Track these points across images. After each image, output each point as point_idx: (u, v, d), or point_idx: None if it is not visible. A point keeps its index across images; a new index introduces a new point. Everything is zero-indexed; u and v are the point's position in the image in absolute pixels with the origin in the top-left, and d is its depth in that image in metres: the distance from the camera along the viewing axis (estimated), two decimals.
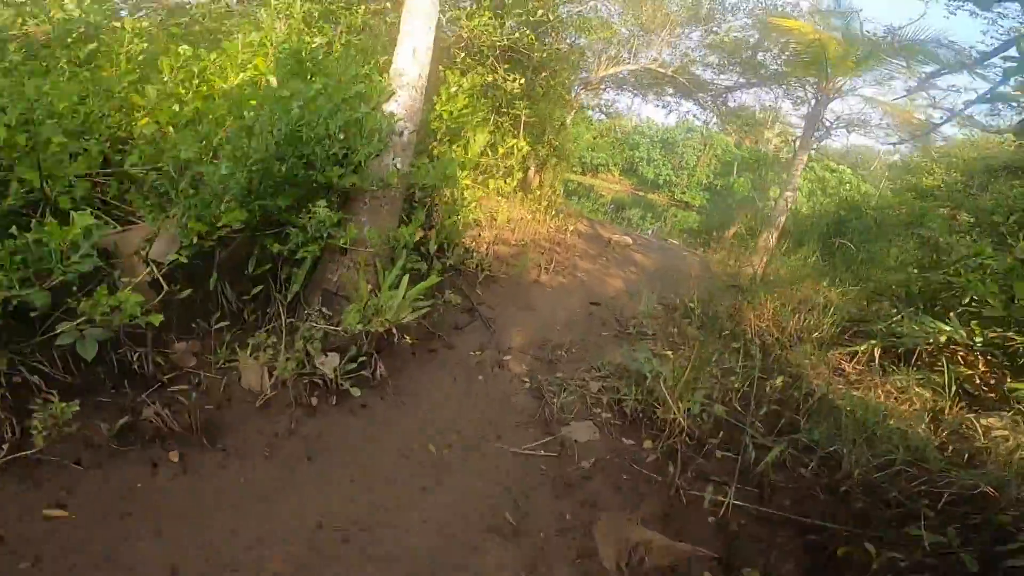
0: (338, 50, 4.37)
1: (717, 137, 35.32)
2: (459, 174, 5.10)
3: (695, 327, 6.51)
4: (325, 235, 3.60)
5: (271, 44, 3.82)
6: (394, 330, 3.78)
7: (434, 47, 4.30)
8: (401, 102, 4.05)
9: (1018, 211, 13.29)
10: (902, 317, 6.46)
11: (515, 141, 5.70)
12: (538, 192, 9.44)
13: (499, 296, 6.10)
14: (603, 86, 15.40)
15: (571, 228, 9.69)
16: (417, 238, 4.48)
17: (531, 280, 6.93)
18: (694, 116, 15.85)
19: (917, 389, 5.72)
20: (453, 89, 5.18)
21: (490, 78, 6.30)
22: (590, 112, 15.01)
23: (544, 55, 9.81)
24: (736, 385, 4.71)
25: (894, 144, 13.92)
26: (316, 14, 4.94)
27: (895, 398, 5.76)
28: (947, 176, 15.65)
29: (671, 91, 15.11)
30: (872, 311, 7.41)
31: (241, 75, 3.50)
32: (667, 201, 35.37)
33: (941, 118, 11.35)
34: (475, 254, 6.17)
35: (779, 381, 4.59)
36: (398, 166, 4.02)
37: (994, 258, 7.02)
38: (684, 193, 34.99)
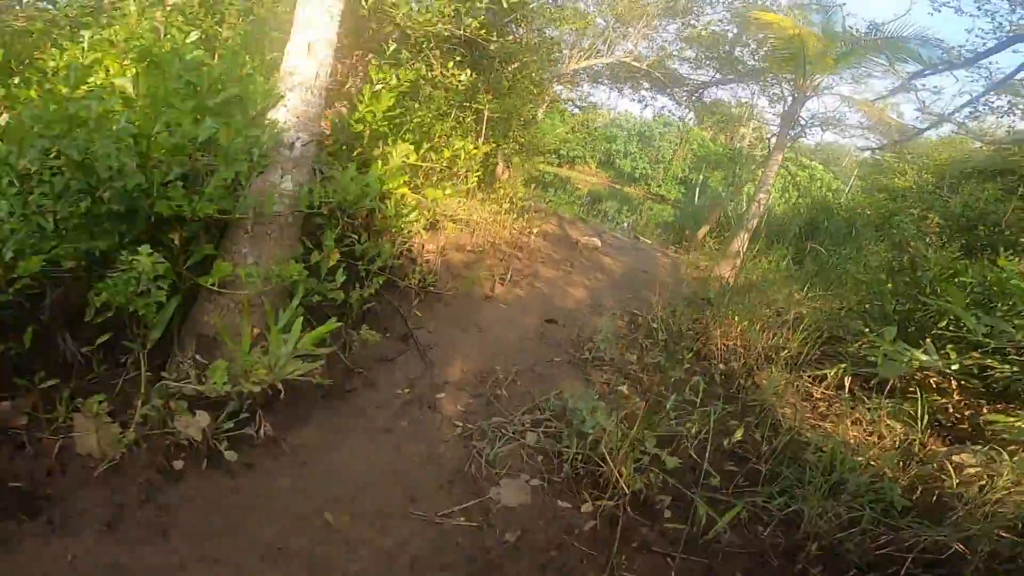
0: (223, 46, 3.66)
1: (694, 132, 34.80)
2: (394, 182, 4.41)
3: (657, 349, 5.93)
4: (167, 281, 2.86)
5: (131, 41, 3.11)
6: (279, 385, 3.12)
7: (354, 39, 3.62)
8: (292, 107, 3.29)
9: (990, 215, 12.94)
10: (873, 343, 5.94)
11: (463, 143, 5.03)
12: (501, 192, 8.77)
13: (443, 316, 5.43)
14: (578, 79, 14.72)
15: (536, 230, 9.04)
16: (333, 261, 3.82)
17: (483, 294, 6.25)
18: (669, 112, 15.24)
19: (888, 421, 5.22)
20: (377, 87, 4.43)
21: (432, 73, 5.56)
22: (565, 105, 14.29)
23: (508, 47, 9.09)
24: (694, 430, 4.13)
25: (874, 150, 13.43)
26: (196, 3, 4.15)
27: (865, 430, 5.27)
28: (918, 177, 15.27)
29: (647, 85, 14.47)
30: (843, 326, 6.90)
31: (86, 81, 2.79)
32: (643, 194, 34.83)
33: (920, 120, 10.85)
34: (417, 269, 5.50)
35: (738, 434, 4.01)
36: (289, 185, 3.33)
37: (970, 276, 6.54)
38: (660, 187, 34.48)
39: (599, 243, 10.02)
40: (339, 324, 3.40)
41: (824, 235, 12.63)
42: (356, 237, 4.22)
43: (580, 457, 3.70)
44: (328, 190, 3.48)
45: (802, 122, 10.61)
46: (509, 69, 9.49)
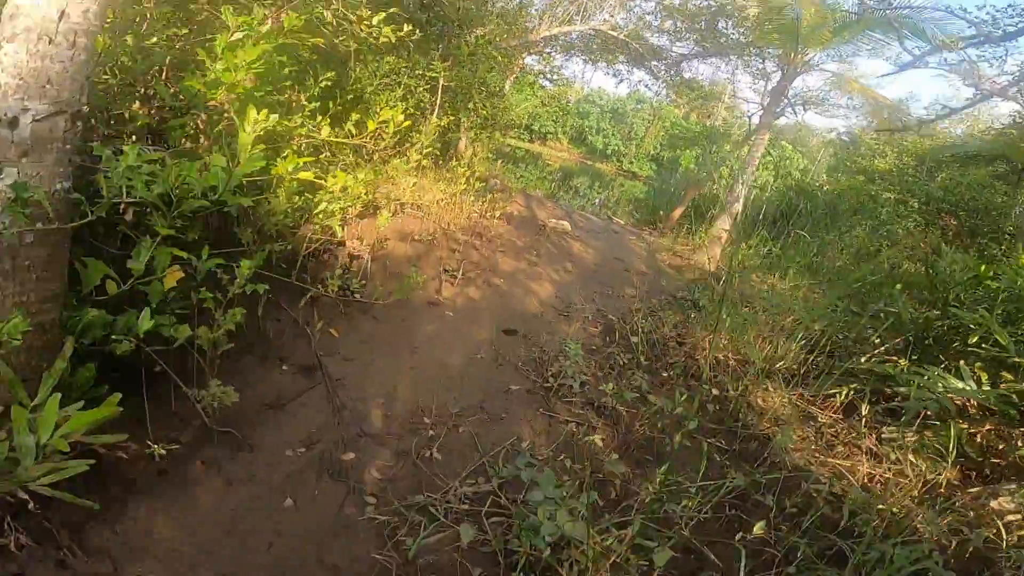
0: None
1: (667, 109, 33.48)
2: (285, 165, 3.05)
3: (638, 369, 4.73)
4: None
5: None
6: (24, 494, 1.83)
7: None
8: (11, 64, 1.96)
9: (971, 200, 12.00)
10: (888, 359, 4.84)
11: (392, 112, 3.69)
12: (459, 170, 7.41)
13: (369, 333, 4.12)
14: (549, 50, 13.22)
15: (499, 213, 7.73)
16: (169, 285, 2.49)
17: (427, 299, 4.95)
18: (646, 86, 13.88)
19: (911, 458, 4.15)
20: (235, 36, 2.85)
21: (346, 24, 4.12)
22: (536, 78, 12.79)
23: (467, 10, 7.66)
24: (690, 507, 2.95)
25: (894, 132, 12.24)
26: None
27: (883, 467, 4.20)
28: (899, 160, 14.29)
29: (623, 58, 13.06)
30: (844, 330, 5.79)
31: None
32: (615, 171, 33.54)
33: (952, 100, 9.69)
34: (336, 271, 4.17)
35: (757, 529, 2.85)
36: (9, 181, 2.05)
37: (994, 281, 5.48)
38: (632, 164, 33.22)
39: (568, 226, 8.75)
40: (108, 412, 2.05)
41: (805, 219, 11.55)
42: (206, 243, 2.85)
43: (535, 563, 2.50)
44: (140, 181, 2.15)
45: (789, 100, 9.40)
46: (470, 35, 8.04)
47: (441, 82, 7.20)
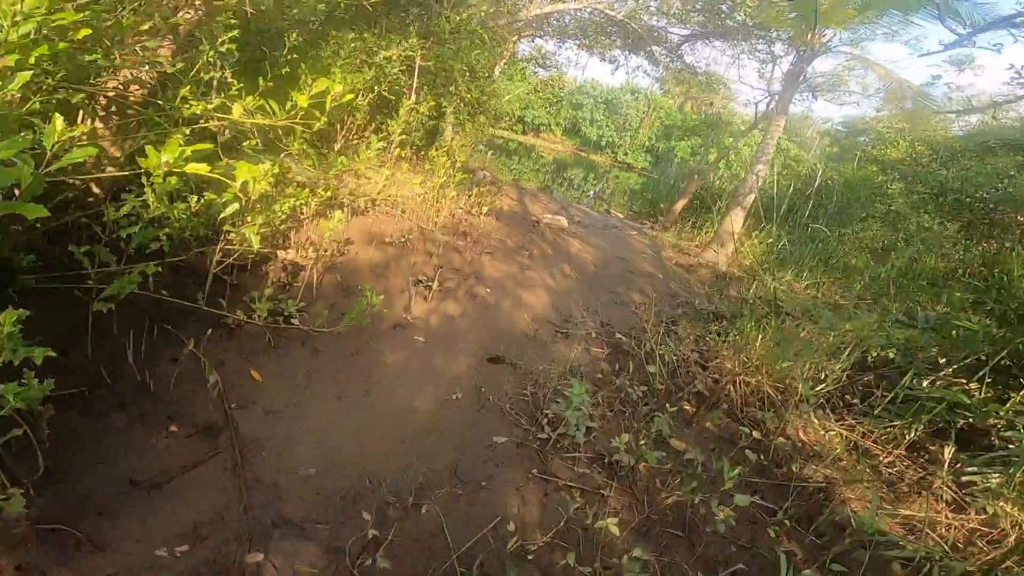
0: None
1: (660, 100, 32.38)
2: (166, 154, 2.04)
3: (657, 411, 3.72)
4: None
5: None
6: None
7: None
8: None
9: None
10: (967, 390, 3.86)
11: (328, 83, 2.71)
12: (440, 160, 6.35)
13: (309, 372, 3.08)
14: (541, 32, 12.12)
15: (486, 208, 6.69)
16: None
17: (393, 319, 3.92)
18: (644, 72, 12.78)
19: (1004, 506, 3.20)
20: None
21: None
22: (526, 64, 11.65)
23: None
24: None
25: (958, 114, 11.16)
26: None
27: (971, 519, 3.26)
28: (911, 149, 13.28)
29: (619, 43, 11.97)
30: (892, 343, 4.78)
31: None
32: (610, 162, 32.46)
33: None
34: (266, 291, 3.13)
35: None
36: None
37: None
38: (627, 155, 32.14)
39: (565, 222, 7.71)
40: None
41: (820, 212, 10.56)
42: None
43: None
44: None
45: (807, 83, 8.34)
46: (452, 10, 6.96)
47: (418, 62, 6.14)
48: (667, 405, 3.76)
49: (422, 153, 7.34)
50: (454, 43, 6.69)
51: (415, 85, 6.12)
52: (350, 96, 2.68)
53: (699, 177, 11.79)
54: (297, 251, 3.69)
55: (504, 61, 9.96)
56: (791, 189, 11.69)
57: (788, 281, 8.38)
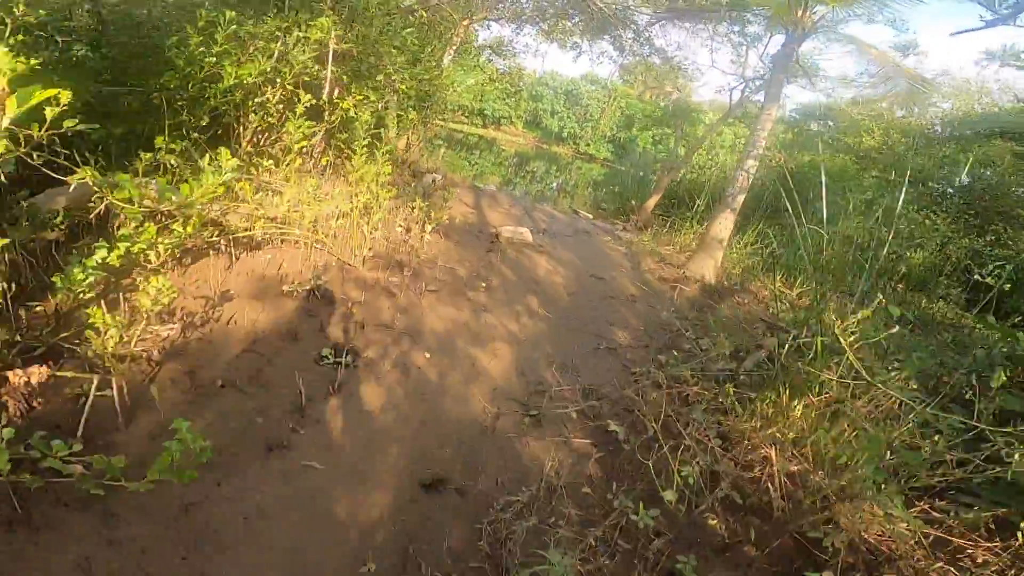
0: None
1: (620, 89, 31.21)
2: None
3: (673, 545, 2.44)
4: None
5: None
6: None
7: None
8: None
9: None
10: None
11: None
12: (369, 169, 4.87)
13: (90, 556, 1.73)
14: (496, 16, 10.65)
15: (432, 225, 5.28)
16: None
17: (269, 436, 2.49)
18: (610, 59, 11.43)
19: None
20: None
21: None
22: (481, 53, 10.14)
23: None
24: None
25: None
26: None
27: None
28: (887, 137, 12.34)
29: (581, 26, 10.59)
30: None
31: None
32: (572, 154, 31.17)
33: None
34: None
35: None
36: None
37: None
38: (588, 146, 30.91)
39: (529, 235, 6.34)
40: None
41: (802, 207, 9.46)
42: None
43: None
44: None
45: (802, 66, 7.10)
46: None
47: (332, 45, 4.65)
48: (687, 531, 2.48)
49: (355, 159, 5.86)
50: (380, 23, 5.21)
51: (330, 75, 4.63)
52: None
53: (671, 171, 10.56)
54: (101, 339, 2.23)
55: (455, 48, 8.49)
56: (771, 184, 10.63)
57: (781, 289, 7.23)
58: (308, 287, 3.47)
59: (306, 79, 4.60)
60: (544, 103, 30.67)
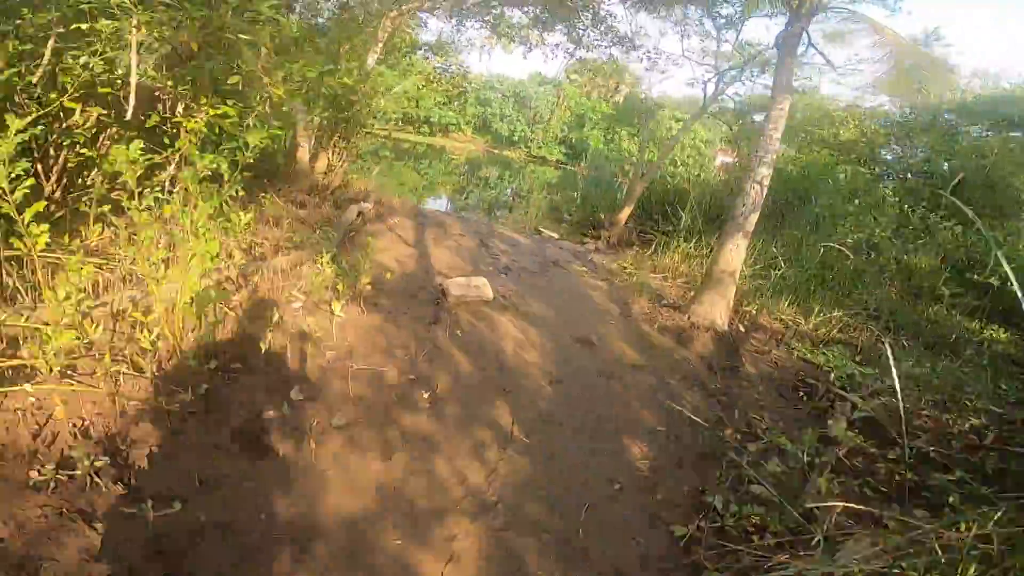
0: None
1: (569, 89, 29.81)
2: None
3: None
4: None
5: None
6: None
7: None
8: None
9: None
10: None
11: None
12: (234, 219, 3.05)
13: None
14: (431, 9, 8.86)
15: (339, 307, 3.52)
16: None
17: None
18: (566, 52, 9.76)
19: None
20: None
21: None
22: (412, 52, 8.18)
23: None
24: None
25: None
26: None
27: None
28: (865, 128, 11.18)
29: (531, 16, 8.91)
30: None
31: None
32: (524, 157, 29.54)
33: None
34: None
35: None
36: None
37: None
38: (540, 148, 29.36)
39: (487, 289, 4.59)
40: None
41: (800, 220, 8.08)
42: None
43: None
44: None
45: (816, 47, 5.54)
46: None
47: (134, 37, 2.81)
48: None
49: (247, 196, 4.02)
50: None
51: (134, 81, 2.78)
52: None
53: (644, 176, 9.03)
54: None
55: (382, 45, 6.67)
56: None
57: (792, 319, 5.77)
58: (85, 463, 1.67)
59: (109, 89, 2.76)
60: (492, 107, 28.97)
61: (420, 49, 7.82)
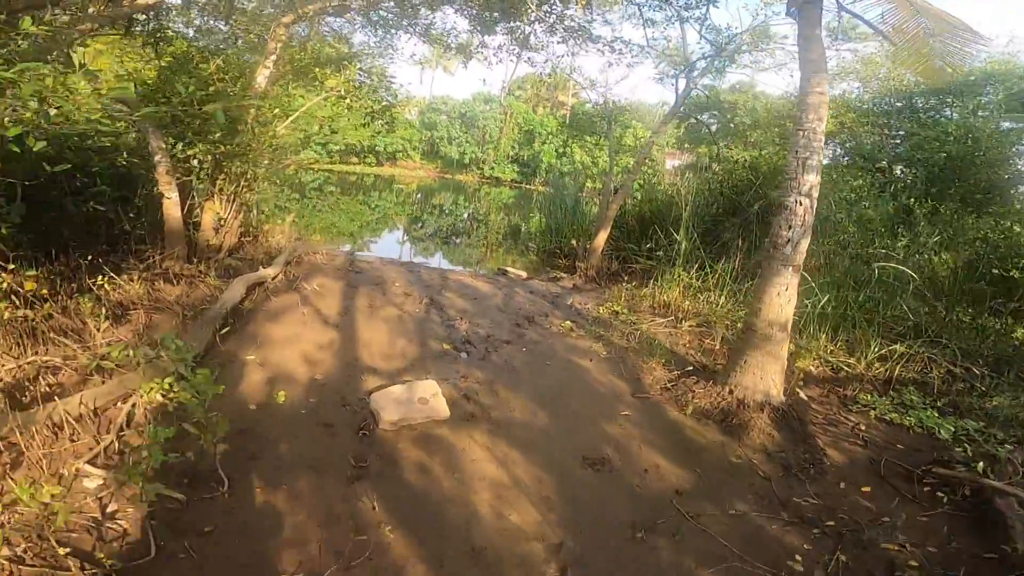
0: None
1: (516, 105, 28.64)
2: None
3: None
4: None
5: None
6: None
7: None
8: None
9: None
10: None
11: None
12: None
13: None
14: (338, 12, 7.23)
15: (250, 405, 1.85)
16: None
17: None
18: (510, 55, 8.23)
19: None
20: None
21: None
22: (312, 63, 6.43)
23: None
24: None
25: None
26: None
27: None
28: (844, 118, 10.07)
29: (466, 15, 7.40)
30: None
31: None
32: (477, 180, 28.09)
33: None
34: None
35: None
36: None
37: None
38: (493, 169, 28.00)
39: (440, 404, 2.98)
40: None
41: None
42: None
43: None
44: None
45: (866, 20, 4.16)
46: None
47: None
48: None
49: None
50: None
51: None
52: None
53: (619, 194, 7.59)
54: None
55: (274, 59, 5.02)
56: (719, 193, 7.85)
57: (841, 358, 4.35)
58: None
59: None
60: (439, 130, 27.51)
61: (331, 64, 6.13)
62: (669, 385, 3.74)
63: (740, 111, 14.72)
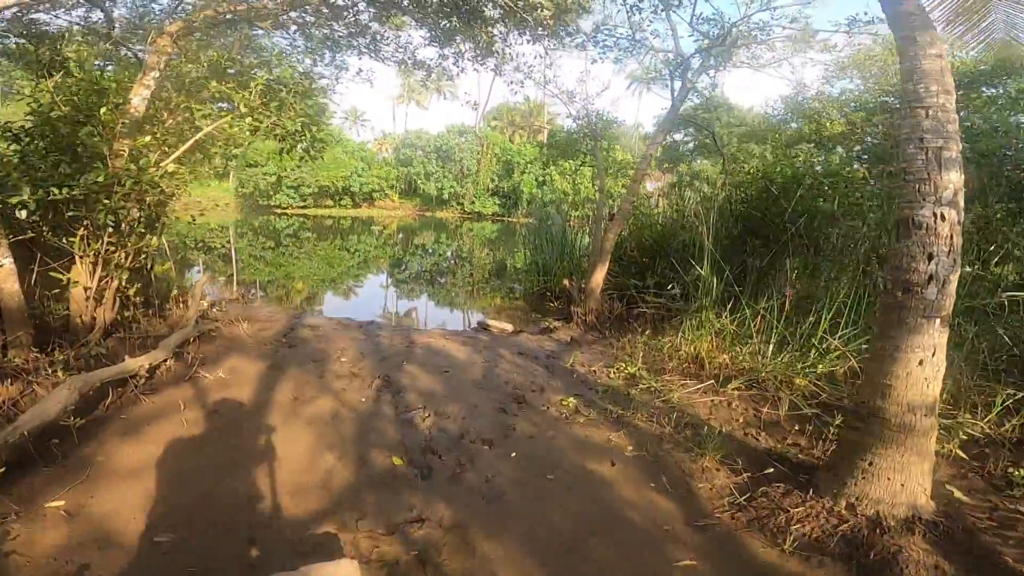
0: None
1: (491, 135, 27.82)
2: None
3: None
4: None
5: None
6: None
7: None
8: None
9: None
10: None
11: None
12: None
13: None
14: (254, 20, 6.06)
15: None
16: None
17: None
18: (474, 62, 7.05)
19: None
20: None
21: None
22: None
23: None
24: None
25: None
26: None
27: None
28: (851, 117, 9.08)
29: (423, 25, 6.25)
30: None
31: None
32: (458, 216, 27.02)
33: None
34: None
35: None
36: None
37: None
38: (474, 203, 26.96)
39: None
40: None
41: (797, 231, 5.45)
42: None
43: None
44: None
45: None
46: None
47: None
48: None
49: None
50: None
51: None
52: None
53: (615, 218, 6.38)
54: None
55: (156, 74, 3.79)
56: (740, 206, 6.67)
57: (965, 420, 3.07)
58: None
59: None
60: (415, 166, 26.51)
61: (239, 76, 4.85)
62: (737, 497, 2.42)
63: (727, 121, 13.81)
